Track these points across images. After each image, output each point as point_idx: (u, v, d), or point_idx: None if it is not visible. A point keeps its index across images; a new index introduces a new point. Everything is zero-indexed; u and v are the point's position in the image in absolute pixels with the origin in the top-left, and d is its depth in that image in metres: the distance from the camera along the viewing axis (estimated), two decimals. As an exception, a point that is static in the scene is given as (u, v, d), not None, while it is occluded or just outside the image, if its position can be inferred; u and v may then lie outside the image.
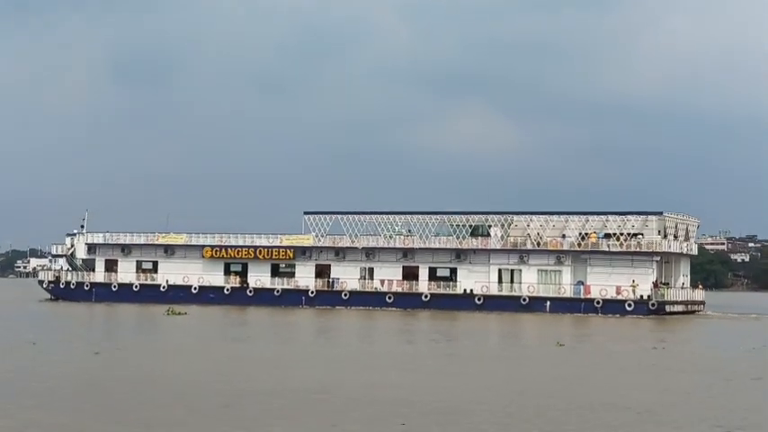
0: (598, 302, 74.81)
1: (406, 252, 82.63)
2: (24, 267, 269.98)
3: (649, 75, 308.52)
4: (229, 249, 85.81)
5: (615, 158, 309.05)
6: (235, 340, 44.61)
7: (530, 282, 78.67)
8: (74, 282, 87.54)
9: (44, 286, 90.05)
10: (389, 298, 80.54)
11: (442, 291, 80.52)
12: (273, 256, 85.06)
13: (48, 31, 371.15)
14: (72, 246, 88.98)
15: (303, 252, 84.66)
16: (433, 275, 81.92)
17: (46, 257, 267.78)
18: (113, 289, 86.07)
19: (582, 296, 76.28)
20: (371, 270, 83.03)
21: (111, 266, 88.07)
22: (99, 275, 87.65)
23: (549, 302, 76.70)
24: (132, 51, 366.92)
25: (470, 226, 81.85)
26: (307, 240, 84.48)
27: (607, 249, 77.05)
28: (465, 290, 79.92)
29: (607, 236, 77.94)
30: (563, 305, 75.99)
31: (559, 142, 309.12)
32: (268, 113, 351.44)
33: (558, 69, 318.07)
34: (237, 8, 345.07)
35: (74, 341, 41.57)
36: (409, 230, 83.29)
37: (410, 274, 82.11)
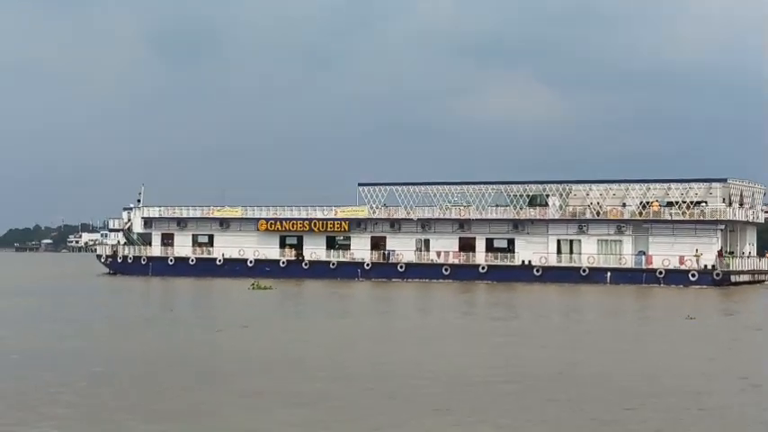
0: (660, 273, 72.89)
1: (463, 223, 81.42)
2: (76, 242, 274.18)
3: (693, 39, 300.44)
4: (284, 222, 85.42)
5: (660, 126, 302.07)
6: (344, 315, 43.53)
7: (589, 252, 76.99)
8: (131, 256, 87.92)
9: (102, 260, 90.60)
10: (446, 270, 79.52)
11: (499, 262, 79.26)
12: (328, 229, 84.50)
13: (90, 7, 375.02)
14: (129, 220, 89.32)
15: (358, 224, 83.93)
16: (490, 247, 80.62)
17: (97, 232, 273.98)
18: (170, 263, 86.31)
19: (643, 266, 74.40)
20: (427, 242, 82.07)
21: (167, 240, 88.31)
22: (155, 249, 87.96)
23: (609, 273, 75.00)
24: (176, 24, 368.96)
25: (528, 196, 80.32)
26: (361, 212, 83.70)
27: (669, 218, 74.97)
28: (523, 261, 78.57)
29: (669, 204, 75.87)
30: (624, 276, 74.25)
31: (603, 111, 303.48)
32: (314, 84, 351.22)
33: (602, 37, 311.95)
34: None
35: (187, 319, 40.13)
36: (467, 201, 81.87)
37: (467, 246, 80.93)
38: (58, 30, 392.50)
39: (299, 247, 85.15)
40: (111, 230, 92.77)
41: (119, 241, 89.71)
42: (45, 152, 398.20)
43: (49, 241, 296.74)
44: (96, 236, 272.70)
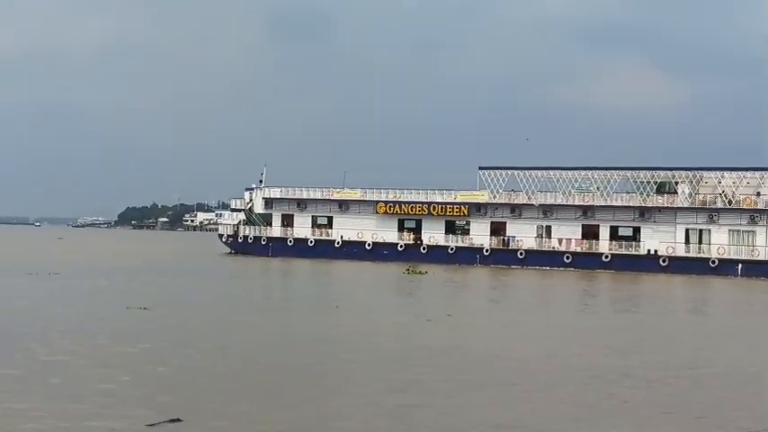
0: (797, 266, 69.62)
1: (586, 210, 79.35)
2: (192, 221, 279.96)
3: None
4: (403, 205, 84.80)
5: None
6: (539, 308, 40.77)
7: (720, 243, 74.08)
8: (251, 236, 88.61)
9: (223, 240, 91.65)
10: (567, 258, 77.69)
11: (623, 251, 76.98)
12: (448, 213, 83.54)
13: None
14: (250, 200, 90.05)
15: (478, 209, 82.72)
16: (614, 235, 78.35)
17: (212, 212, 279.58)
18: (289, 244, 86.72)
19: (778, 259, 71.16)
20: (549, 228, 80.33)
21: (287, 221, 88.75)
22: (276, 230, 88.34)
23: (740, 265, 72.05)
24: (292, 7, 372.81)
25: (656, 182, 77.67)
26: (481, 197, 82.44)
27: (808, 209, 71.50)
28: (649, 250, 76.11)
29: (808, 194, 72.35)
30: (757, 268, 71.17)
31: (718, 97, 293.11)
32: (429, 69, 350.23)
33: (717, 22, 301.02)
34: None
35: (375, 306, 36.95)
36: (598, 187, 79.53)
37: (590, 233, 78.85)
38: (175, 13, 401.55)
39: (417, 230, 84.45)
40: (233, 210, 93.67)
41: (240, 221, 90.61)
42: (162, 132, 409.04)
43: (165, 220, 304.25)
44: (211, 215, 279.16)
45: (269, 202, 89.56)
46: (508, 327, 30.38)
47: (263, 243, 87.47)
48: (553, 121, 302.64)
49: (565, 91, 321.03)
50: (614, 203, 78.27)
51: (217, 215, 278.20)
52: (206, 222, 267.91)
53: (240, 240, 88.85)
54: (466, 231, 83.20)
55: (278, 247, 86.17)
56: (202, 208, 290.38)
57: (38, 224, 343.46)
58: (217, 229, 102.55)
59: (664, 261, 74.79)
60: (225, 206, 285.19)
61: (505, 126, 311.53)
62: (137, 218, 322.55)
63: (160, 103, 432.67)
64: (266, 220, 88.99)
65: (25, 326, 24.75)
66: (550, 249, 79.35)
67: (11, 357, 19.45)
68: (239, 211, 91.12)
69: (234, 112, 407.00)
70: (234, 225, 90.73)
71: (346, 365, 20.42)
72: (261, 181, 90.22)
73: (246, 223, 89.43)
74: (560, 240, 79.26)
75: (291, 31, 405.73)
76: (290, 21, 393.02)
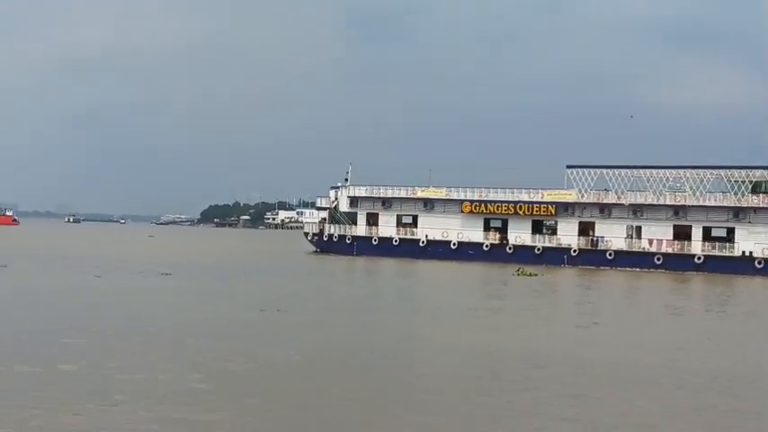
0: None
1: (678, 209, 77.40)
2: (273, 219, 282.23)
3: None
4: (489, 204, 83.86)
5: None
6: (671, 311, 39.19)
7: (820, 245, 71.51)
8: (336, 235, 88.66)
9: (308, 238, 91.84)
10: (658, 259, 75.89)
11: (717, 252, 74.85)
12: (534, 212, 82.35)
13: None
14: (336, 199, 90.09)
15: (566, 208, 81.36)
16: (707, 235, 76.27)
17: (293, 210, 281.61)
18: (374, 242, 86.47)
19: None
20: (639, 228, 78.55)
21: (372, 220, 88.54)
22: (361, 229, 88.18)
23: (842, 268, 69.41)
24: (367, 4, 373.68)
25: (751, 182, 75.31)
26: (569, 196, 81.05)
27: None
28: (743, 252, 73.85)
29: None
30: None
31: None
32: (509, 67, 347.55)
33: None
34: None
35: (522, 311, 35.68)
36: (690, 186, 77.45)
37: (681, 234, 76.89)
38: (258, 10, 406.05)
39: (503, 230, 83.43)
40: (319, 208, 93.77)
41: (321, 219, 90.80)
42: (244, 131, 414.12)
43: (246, 218, 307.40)
44: (292, 213, 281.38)
45: (354, 201, 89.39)
46: (674, 335, 28.76)
47: (348, 242, 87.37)
48: (638, 119, 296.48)
49: (642, 89, 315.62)
50: (707, 203, 76.19)
51: (298, 213, 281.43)
52: (287, 220, 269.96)
53: (325, 239, 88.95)
54: (553, 231, 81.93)
55: (362, 246, 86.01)
56: (283, 206, 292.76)
57: (123, 221, 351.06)
58: (298, 227, 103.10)
59: (759, 263, 72.51)
60: (306, 204, 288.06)
61: (589, 124, 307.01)
62: (219, 216, 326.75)
63: (241, 103, 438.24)
64: (351, 219, 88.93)
65: (188, 332, 24.19)
66: (640, 250, 77.57)
67: (196, 369, 18.61)
68: (325, 209, 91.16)
69: (314, 110, 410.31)
70: (318, 223, 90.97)
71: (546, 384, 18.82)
72: (346, 179, 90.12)
73: (331, 222, 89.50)
74: (651, 241, 77.44)
75: (367, 30, 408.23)
76: (365, 22, 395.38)
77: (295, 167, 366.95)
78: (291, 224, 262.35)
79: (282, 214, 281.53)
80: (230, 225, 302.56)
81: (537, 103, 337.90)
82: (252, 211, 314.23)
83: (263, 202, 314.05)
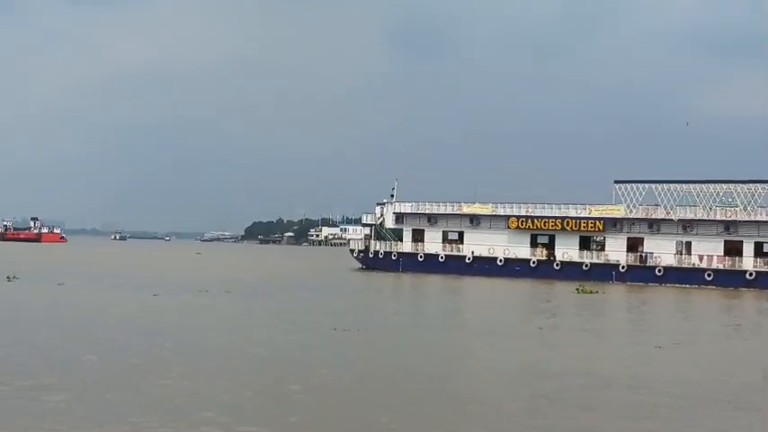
0: None
1: (729, 225, 76.18)
2: (317, 236, 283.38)
3: None
4: (536, 220, 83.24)
5: None
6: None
7: None
8: (382, 251, 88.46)
9: (354, 255, 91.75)
10: (708, 275, 74.71)
11: (769, 268, 73.53)
12: (582, 228, 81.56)
13: (331, 2, 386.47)
14: (381, 215, 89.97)
15: (614, 224, 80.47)
16: (759, 251, 74.92)
17: (336, 226, 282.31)
18: (419, 259, 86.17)
19: None
20: (689, 244, 77.40)
21: (417, 236, 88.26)
22: (406, 245, 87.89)
23: None
24: (411, 20, 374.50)
25: (805, 197, 74.01)
26: (617, 211, 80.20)
27: None
28: (797, 268, 72.47)
29: None
30: None
31: None
32: (551, 80, 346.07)
33: None
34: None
35: (584, 329, 34.65)
36: (741, 201, 76.14)
37: (733, 250, 75.61)
38: (303, 26, 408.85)
39: (550, 246, 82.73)
40: (364, 225, 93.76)
41: (365, 236, 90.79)
42: (286, 148, 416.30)
43: (290, 234, 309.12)
44: (336, 230, 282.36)
45: (400, 217, 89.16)
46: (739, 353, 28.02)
47: (394, 258, 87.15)
48: (683, 133, 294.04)
49: (691, 101, 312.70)
50: (759, 218, 74.92)
51: (342, 230, 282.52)
52: (331, 237, 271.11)
53: (371, 256, 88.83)
54: (601, 247, 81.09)
55: (408, 263, 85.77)
56: (327, 223, 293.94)
57: (167, 239, 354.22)
58: (342, 244, 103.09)
59: (813, 279, 71.13)
60: (349, 221, 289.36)
61: (636, 138, 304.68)
62: (263, 232, 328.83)
63: (284, 120, 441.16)
64: (397, 236, 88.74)
65: (278, 359, 23.44)
66: (690, 266, 76.44)
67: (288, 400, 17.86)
68: (370, 225, 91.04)
69: (358, 127, 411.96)
70: (363, 240, 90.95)
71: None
72: (392, 196, 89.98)
73: (377, 238, 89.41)
74: (701, 257, 76.29)
75: (410, 47, 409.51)
76: (409, 37, 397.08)
77: (339, 184, 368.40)
78: (335, 241, 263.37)
79: (326, 231, 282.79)
80: (274, 242, 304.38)
81: (582, 118, 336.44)
82: (296, 227, 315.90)
83: (306, 219, 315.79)
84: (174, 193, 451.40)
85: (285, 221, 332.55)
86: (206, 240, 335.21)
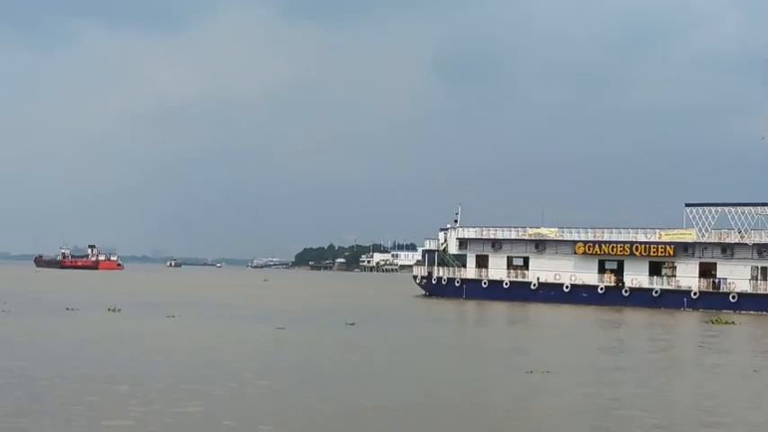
0: None
1: (807, 249, 73.53)
2: (368, 261, 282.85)
3: None
4: (604, 245, 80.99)
5: None
6: None
7: None
8: (445, 278, 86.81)
9: (417, 281, 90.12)
10: (786, 301, 72.03)
11: None
12: (652, 253, 79.17)
13: (378, 33, 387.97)
14: (444, 240, 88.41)
15: (685, 249, 78.03)
16: (839, 276, 72.16)
17: (388, 252, 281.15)
18: (483, 285, 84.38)
19: None
20: (765, 270, 74.74)
21: (481, 262, 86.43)
22: (470, 271, 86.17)
23: None
24: (458, 50, 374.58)
25: None
26: (689, 235, 77.73)
27: None
28: None
29: None
30: None
31: None
32: (602, 104, 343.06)
33: None
34: (557, 2, 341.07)
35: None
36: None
37: (811, 275, 72.91)
38: (345, 54, 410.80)
39: (618, 272, 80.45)
40: (426, 251, 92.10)
41: (417, 261, 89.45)
42: (334, 173, 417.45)
43: (342, 260, 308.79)
44: (387, 256, 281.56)
45: (463, 243, 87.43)
46: None
47: (457, 285, 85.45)
48: (757, 152, 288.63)
49: (739, 125, 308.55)
50: (840, 242, 72.22)
51: (393, 256, 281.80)
52: (382, 263, 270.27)
53: (434, 282, 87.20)
54: (672, 273, 78.67)
55: (472, 289, 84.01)
56: (378, 249, 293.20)
57: (219, 265, 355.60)
58: (393, 270, 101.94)
59: None
60: (400, 247, 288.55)
61: (703, 161, 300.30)
62: (313, 258, 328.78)
63: (333, 147, 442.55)
64: (461, 262, 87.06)
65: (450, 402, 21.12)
66: (766, 293, 73.75)
67: None
68: (432, 251, 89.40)
69: (403, 153, 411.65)
70: (425, 266, 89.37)
71: None
72: (456, 221, 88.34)
73: (440, 264, 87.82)
74: (778, 282, 73.64)
75: (455, 73, 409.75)
76: (454, 64, 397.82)
77: (389, 210, 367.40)
78: (387, 267, 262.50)
79: (377, 257, 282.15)
80: (325, 268, 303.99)
81: (647, 141, 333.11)
82: (347, 253, 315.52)
83: (357, 245, 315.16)
84: (221, 219, 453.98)
85: (336, 248, 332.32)
86: (256, 267, 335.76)
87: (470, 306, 73.09)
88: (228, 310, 54.37)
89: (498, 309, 69.99)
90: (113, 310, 49.44)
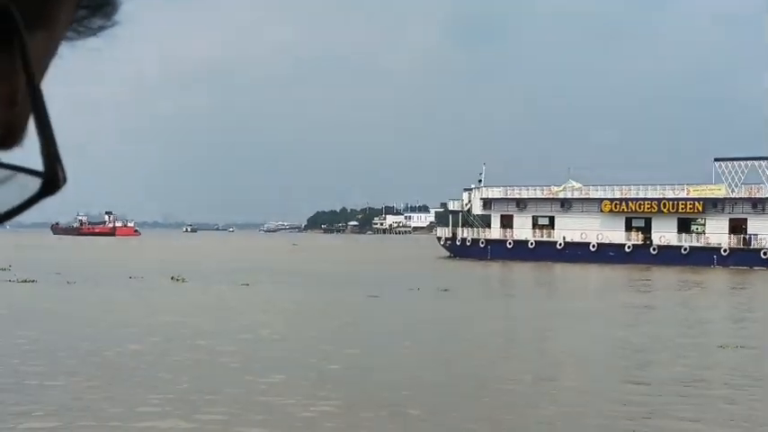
0: None
1: (841, 204, 72.21)
2: (381, 224, 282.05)
3: None
4: (630, 203, 79.76)
5: None
6: None
7: None
8: (469, 239, 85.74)
9: (441, 243, 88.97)
10: (820, 257, 70.86)
11: None
12: (680, 210, 77.94)
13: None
14: (469, 201, 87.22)
15: (714, 204, 76.75)
16: None
17: (401, 214, 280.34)
18: (508, 246, 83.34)
19: None
20: (797, 225, 73.56)
21: (506, 222, 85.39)
22: (495, 232, 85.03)
23: None
24: (470, 9, 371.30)
25: None
26: (719, 191, 76.41)
27: None
28: None
29: None
30: None
31: None
32: (622, 61, 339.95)
33: None
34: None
35: None
36: None
37: None
38: (352, 21, 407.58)
39: (646, 230, 79.26)
40: (450, 212, 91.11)
41: (430, 222, 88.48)
42: (345, 138, 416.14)
43: (354, 223, 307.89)
44: (400, 218, 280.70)
45: (487, 203, 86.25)
46: None
47: (482, 246, 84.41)
48: (745, 110, 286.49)
49: (756, 82, 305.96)
50: None
51: (406, 218, 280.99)
52: (395, 225, 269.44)
53: (458, 243, 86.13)
54: (701, 230, 77.50)
55: (497, 250, 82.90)
56: (390, 211, 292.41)
57: (231, 230, 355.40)
58: (408, 232, 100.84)
59: None
60: (413, 209, 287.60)
61: (733, 114, 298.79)
62: (326, 222, 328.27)
63: (345, 109, 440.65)
64: (485, 222, 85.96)
65: None
66: (798, 248, 72.64)
67: None
68: (457, 212, 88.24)
69: (413, 116, 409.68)
70: (453, 227, 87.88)
71: None
72: (480, 181, 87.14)
73: (463, 225, 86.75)
74: (810, 238, 72.42)
75: (470, 34, 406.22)
76: (468, 24, 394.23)
77: (400, 172, 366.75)
78: (400, 229, 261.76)
79: (390, 219, 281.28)
80: (338, 231, 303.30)
81: (670, 97, 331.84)
82: (359, 216, 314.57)
83: (369, 208, 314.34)
84: (230, 184, 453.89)
85: (348, 210, 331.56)
86: (268, 231, 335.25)
87: (523, 268, 69.71)
88: (292, 277, 48.84)
89: (536, 269, 67.65)
90: (178, 279, 44.79)
